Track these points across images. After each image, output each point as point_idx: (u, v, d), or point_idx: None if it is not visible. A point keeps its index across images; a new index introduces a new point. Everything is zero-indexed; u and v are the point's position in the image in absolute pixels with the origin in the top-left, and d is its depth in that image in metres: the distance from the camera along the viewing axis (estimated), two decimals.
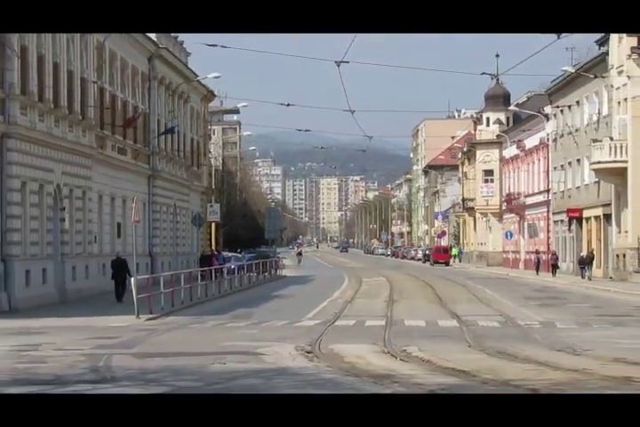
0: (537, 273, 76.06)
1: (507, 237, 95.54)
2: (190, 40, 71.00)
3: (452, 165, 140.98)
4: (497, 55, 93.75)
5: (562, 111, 77.33)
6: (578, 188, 74.24)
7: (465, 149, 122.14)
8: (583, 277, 65.41)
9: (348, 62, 34.17)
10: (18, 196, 38.19)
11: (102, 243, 50.53)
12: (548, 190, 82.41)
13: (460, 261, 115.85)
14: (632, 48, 59.00)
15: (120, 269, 41.71)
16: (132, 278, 35.98)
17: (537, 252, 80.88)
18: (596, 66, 66.58)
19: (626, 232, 61.54)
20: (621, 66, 60.86)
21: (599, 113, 66.81)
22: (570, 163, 76.01)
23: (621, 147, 61.12)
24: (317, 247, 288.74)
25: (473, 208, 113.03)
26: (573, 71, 69.25)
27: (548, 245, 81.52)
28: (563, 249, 78.33)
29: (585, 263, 66.26)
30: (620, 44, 61.02)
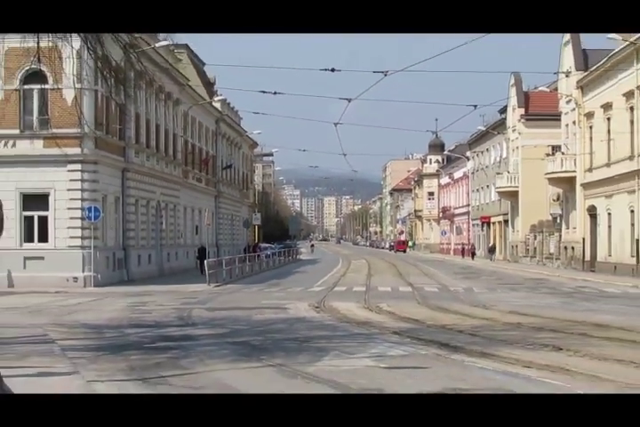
0: (462, 257, 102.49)
1: (442, 234, 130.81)
2: (242, 108, 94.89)
3: (407, 189, 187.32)
4: (436, 119, 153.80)
5: (477, 155, 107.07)
6: (487, 203, 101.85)
7: (416, 179, 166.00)
8: (491, 259, 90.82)
9: (342, 123, 47.82)
10: (132, 208, 52.01)
11: (186, 238, 67.98)
12: (468, 205, 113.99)
13: (413, 250, 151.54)
14: (521, 115, 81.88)
15: (202, 254, 55.59)
16: (205, 260, 48.92)
17: (462, 244, 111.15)
18: (499, 126, 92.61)
19: (517, 231, 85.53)
20: (515, 126, 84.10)
21: (500, 156, 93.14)
22: (482, 187, 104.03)
23: (514, 177, 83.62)
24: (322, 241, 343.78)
25: (421, 216, 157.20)
26: (484, 129, 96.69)
27: (469, 239, 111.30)
28: (478, 242, 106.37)
29: (491, 251, 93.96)
30: (513, 112, 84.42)
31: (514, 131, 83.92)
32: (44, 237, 42.20)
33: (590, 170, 61.64)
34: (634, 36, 51.69)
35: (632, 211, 52.28)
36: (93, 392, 13.14)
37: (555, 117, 72.11)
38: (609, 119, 57.99)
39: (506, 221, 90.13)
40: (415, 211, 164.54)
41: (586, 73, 62.47)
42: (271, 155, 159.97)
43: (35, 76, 41.67)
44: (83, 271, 42.56)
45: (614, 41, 53.86)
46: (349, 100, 40.89)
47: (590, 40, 65.71)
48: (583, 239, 62.94)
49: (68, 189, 42.63)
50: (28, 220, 42.22)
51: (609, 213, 57.68)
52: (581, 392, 12.21)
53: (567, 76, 65.92)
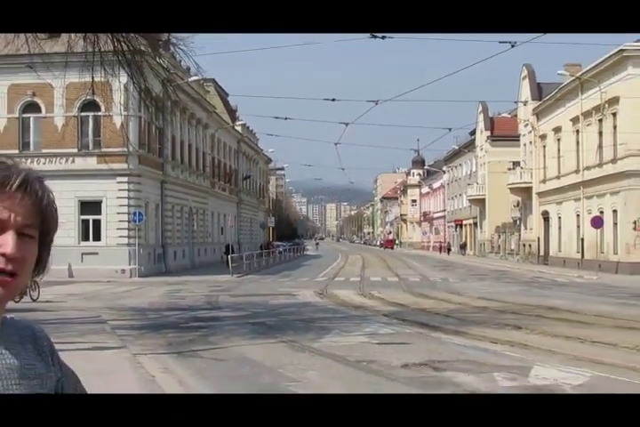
0: (439, 253, 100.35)
1: (423, 234, 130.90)
2: (259, 131, 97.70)
3: (394, 197, 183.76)
4: (418, 140, 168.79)
5: (451, 169, 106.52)
6: (460, 209, 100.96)
7: (401, 189, 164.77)
8: (463, 255, 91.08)
9: (341, 143, 47.64)
10: (169, 213, 52.26)
11: (213, 237, 67.45)
12: (444, 210, 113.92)
13: (399, 247, 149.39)
14: (487, 137, 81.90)
15: (228, 250, 54.11)
16: (229, 255, 48.65)
17: (439, 242, 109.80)
18: (469, 145, 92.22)
19: (484, 231, 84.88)
20: (482, 145, 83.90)
21: (471, 170, 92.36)
22: (456, 196, 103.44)
23: (482, 187, 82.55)
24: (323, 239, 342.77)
25: (405, 219, 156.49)
26: (457, 148, 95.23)
27: (445, 238, 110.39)
28: (452, 240, 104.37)
29: (463, 248, 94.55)
30: (481, 134, 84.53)
31: (481, 149, 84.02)
32: (97, 237, 42.36)
33: (544, 181, 61.59)
34: (579, 73, 51.73)
35: (578, 215, 52.22)
36: (139, 364, 13.17)
37: (515, 138, 71.95)
38: (559, 140, 58.00)
39: (475, 224, 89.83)
40: (401, 215, 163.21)
41: (540, 102, 62.46)
42: (282, 169, 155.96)
43: (90, 105, 41.77)
44: (129, 264, 42.55)
45: (563, 76, 54.01)
46: (347, 124, 41.01)
47: (544, 75, 65.89)
48: (538, 238, 62.86)
49: (117, 198, 42.67)
50: (85, 222, 42.34)
51: (559, 217, 57.62)
52: (581, 392, 12.10)
53: (525, 104, 66.02)
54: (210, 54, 63.25)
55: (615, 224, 45.79)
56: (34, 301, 21.25)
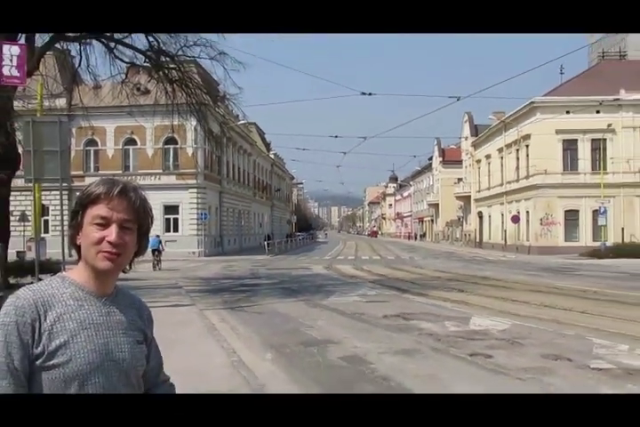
0: (408, 240, 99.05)
1: (397, 227, 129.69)
2: (286, 157, 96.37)
3: (377, 202, 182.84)
4: (393, 164, 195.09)
5: (416, 183, 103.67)
6: (422, 210, 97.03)
7: (382, 197, 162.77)
8: (423, 241, 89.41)
9: (341, 166, 60.42)
10: (225, 213, 51.43)
11: (254, 229, 65.71)
12: (411, 211, 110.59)
13: (381, 236, 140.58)
14: (440, 161, 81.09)
15: (267, 238, 54.24)
16: (267, 242, 48.92)
17: (407, 232, 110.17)
18: (428, 167, 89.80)
19: (438, 225, 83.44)
20: (437, 167, 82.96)
21: (429, 184, 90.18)
22: (419, 201, 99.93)
23: (436, 196, 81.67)
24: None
25: (385, 217, 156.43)
26: (420, 169, 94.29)
27: (411, 230, 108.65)
28: (417, 231, 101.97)
29: (423, 236, 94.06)
30: (436, 160, 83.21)
31: (436, 170, 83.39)
32: (176, 229, 42.32)
33: (479, 191, 61.43)
34: (503, 117, 51.63)
35: (502, 214, 52.05)
36: (204, 316, 13.17)
37: (459, 162, 71.78)
38: (489, 163, 57.79)
39: (432, 220, 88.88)
40: (381, 214, 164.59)
41: (476, 137, 62.36)
42: (301, 183, 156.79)
43: (170, 140, 41.84)
44: (197, 248, 42.43)
45: (492, 119, 54.03)
46: (345, 153, 41.32)
47: (479, 118, 65.86)
48: (475, 230, 62.64)
49: (189, 203, 42.63)
50: (167, 220, 42.30)
51: (489, 215, 57.41)
52: (579, 392, 11.96)
53: (466, 139, 66.05)
54: (253, 106, 63.40)
55: (527, 221, 45.70)
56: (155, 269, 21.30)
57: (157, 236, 32.64)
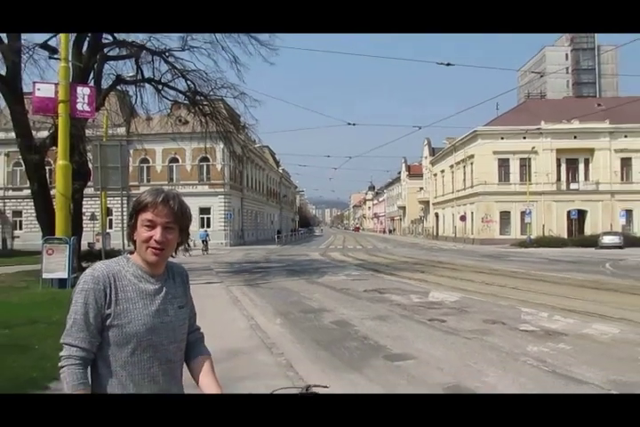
0: (383, 234, 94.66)
1: (374, 224, 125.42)
2: (291, 171, 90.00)
3: (359, 205, 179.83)
4: (371, 176, 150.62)
5: (389, 191, 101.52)
6: (393, 211, 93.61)
7: (363, 201, 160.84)
8: (392, 234, 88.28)
9: (333, 178, 62.39)
10: (246, 214, 50.18)
11: (267, 226, 62.99)
12: (385, 212, 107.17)
13: (363, 231, 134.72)
14: (407, 175, 79.71)
15: (278, 232, 54.31)
16: (276, 235, 49.05)
17: (382, 228, 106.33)
18: (397, 178, 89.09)
19: (405, 222, 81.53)
20: (404, 179, 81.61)
21: (399, 191, 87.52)
22: (391, 205, 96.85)
23: (404, 200, 79.63)
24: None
25: (365, 216, 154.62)
26: (392, 180, 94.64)
27: (385, 226, 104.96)
28: (389, 227, 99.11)
29: (392, 231, 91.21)
30: (404, 173, 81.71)
31: (404, 181, 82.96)
32: (208, 225, 41.98)
33: (436, 197, 61.31)
34: (454, 142, 51.63)
35: (453, 214, 51.90)
36: (229, 291, 13.12)
37: (421, 175, 71.64)
38: (443, 176, 57.58)
39: (400, 218, 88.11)
40: (363, 214, 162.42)
41: (433, 157, 62.29)
42: (303, 191, 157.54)
43: (204, 159, 41.59)
44: (224, 240, 42.06)
45: (445, 143, 54.02)
46: (335, 169, 42.10)
47: (436, 142, 65.88)
48: (433, 226, 62.46)
49: (218, 206, 42.34)
50: (202, 218, 41.91)
51: (443, 215, 57.25)
52: (578, 392, 11.67)
53: (426, 158, 65.90)
54: (266, 132, 63.01)
55: (472, 219, 45.64)
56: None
57: (205, 230, 35.14)
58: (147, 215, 1.78)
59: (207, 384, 1.83)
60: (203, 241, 31.77)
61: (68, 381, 1.65)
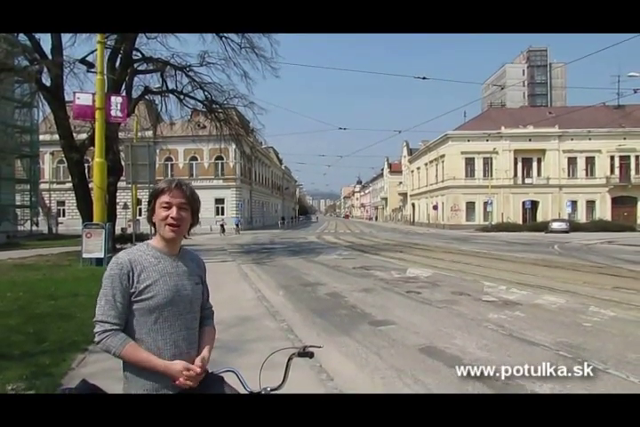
0: (368, 221, 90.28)
1: (361, 212, 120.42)
2: (293, 169, 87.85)
3: (349, 197, 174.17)
4: (359, 173, 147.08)
5: (374, 184, 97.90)
6: (377, 201, 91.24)
7: (352, 193, 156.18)
8: (375, 220, 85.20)
9: (326, 174, 62.04)
10: (254, 204, 49.18)
11: (272, 213, 61.18)
12: (370, 202, 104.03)
13: (352, 218, 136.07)
14: (389, 171, 77.63)
15: (283, 219, 53.43)
16: (279, 221, 48.38)
17: (368, 216, 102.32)
18: (381, 174, 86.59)
19: (387, 211, 79.52)
20: (387, 175, 79.29)
21: (382, 185, 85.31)
22: (375, 196, 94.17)
23: (386, 193, 78.12)
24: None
25: (354, 206, 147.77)
26: (376, 175, 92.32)
27: (370, 214, 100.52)
28: (373, 215, 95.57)
29: (377, 218, 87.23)
30: (387, 170, 79.82)
31: (386, 176, 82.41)
32: (223, 213, 41.81)
33: (412, 190, 61.25)
34: (428, 143, 51.49)
35: (427, 204, 51.94)
36: (240, 268, 13.10)
37: (400, 172, 71.49)
38: (419, 173, 57.38)
39: (383, 208, 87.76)
40: (352, 204, 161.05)
41: (411, 156, 62.15)
42: (301, 184, 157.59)
43: (219, 158, 41.31)
44: (236, 225, 41.73)
45: (421, 145, 53.85)
46: (329, 166, 42.30)
47: (413, 144, 65.82)
48: (410, 214, 62.47)
49: (231, 197, 42.02)
50: (217, 208, 41.74)
51: (419, 205, 57.22)
52: (578, 392, 10.49)
53: (405, 157, 65.71)
54: (272, 135, 62.95)
55: (443, 208, 45.73)
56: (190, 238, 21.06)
57: (238, 217, 37.67)
58: (164, 198, 1.79)
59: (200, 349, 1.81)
60: (236, 224, 34.35)
61: (113, 345, 1.64)
